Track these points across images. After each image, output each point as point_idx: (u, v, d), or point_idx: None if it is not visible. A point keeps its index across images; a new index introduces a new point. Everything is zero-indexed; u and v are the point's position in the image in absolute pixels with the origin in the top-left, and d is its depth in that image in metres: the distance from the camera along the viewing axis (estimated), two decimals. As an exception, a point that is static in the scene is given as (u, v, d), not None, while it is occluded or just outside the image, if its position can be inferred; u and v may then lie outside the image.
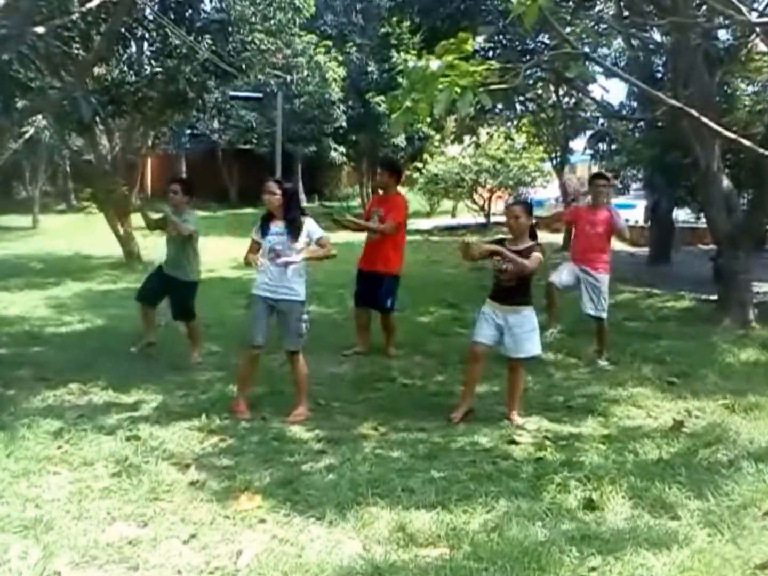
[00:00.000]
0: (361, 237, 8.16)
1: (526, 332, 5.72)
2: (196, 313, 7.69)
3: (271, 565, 3.51)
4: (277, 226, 5.87)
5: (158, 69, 10.79)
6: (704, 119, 5.86)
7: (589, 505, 4.23)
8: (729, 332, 8.91)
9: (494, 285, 5.86)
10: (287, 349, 5.96)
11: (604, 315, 7.67)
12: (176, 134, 27.14)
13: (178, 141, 29.33)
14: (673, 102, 6.04)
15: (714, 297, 10.78)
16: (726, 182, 9.52)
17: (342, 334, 8.39)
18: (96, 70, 10.83)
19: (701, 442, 5.23)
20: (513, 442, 5.23)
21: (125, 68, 10.44)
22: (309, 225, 5.90)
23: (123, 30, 9.13)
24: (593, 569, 3.48)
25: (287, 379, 6.34)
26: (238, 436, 5.38)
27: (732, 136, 6.15)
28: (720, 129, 6.12)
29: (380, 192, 8.36)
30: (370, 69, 22.80)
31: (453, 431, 5.54)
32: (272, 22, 12.47)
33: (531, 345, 5.77)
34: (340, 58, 22.25)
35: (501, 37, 12.83)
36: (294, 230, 5.82)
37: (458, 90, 4.47)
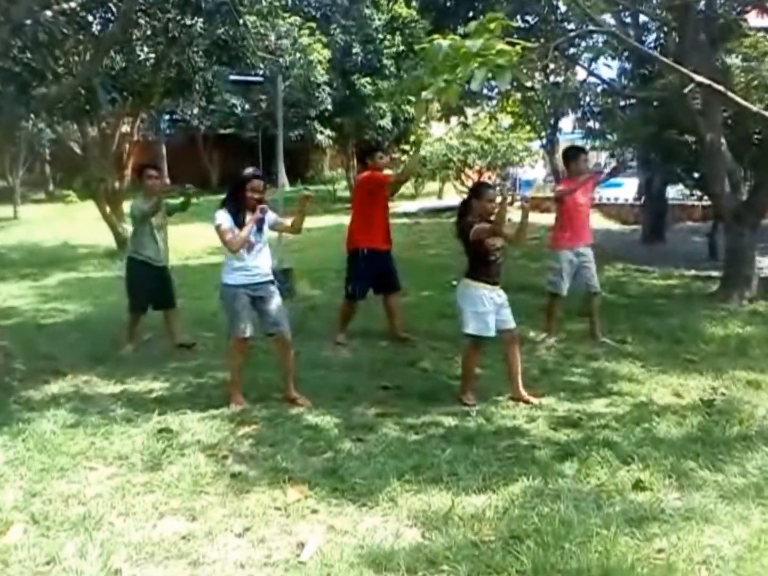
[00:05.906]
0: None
1: (507, 303, 5.90)
2: None
3: (337, 556, 3.45)
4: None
5: (162, 54, 10.61)
6: (719, 87, 5.81)
7: (638, 485, 4.22)
8: (736, 308, 8.93)
9: (489, 267, 5.79)
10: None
11: None
12: (155, 120, 26.69)
13: (157, 126, 28.87)
14: (693, 75, 5.98)
15: (714, 273, 10.83)
16: (729, 158, 9.51)
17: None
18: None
19: (735, 419, 5.23)
20: (553, 428, 5.20)
21: (130, 54, 10.24)
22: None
23: (138, 13, 8.91)
24: (660, 551, 3.45)
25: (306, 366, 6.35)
26: (269, 425, 5.31)
27: (746, 104, 6.13)
28: (736, 98, 6.09)
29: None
30: (354, 50, 22.45)
31: (486, 415, 5.50)
32: (263, 3, 12.30)
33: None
34: (324, 39, 21.89)
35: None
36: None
37: (496, 69, 4.41)
